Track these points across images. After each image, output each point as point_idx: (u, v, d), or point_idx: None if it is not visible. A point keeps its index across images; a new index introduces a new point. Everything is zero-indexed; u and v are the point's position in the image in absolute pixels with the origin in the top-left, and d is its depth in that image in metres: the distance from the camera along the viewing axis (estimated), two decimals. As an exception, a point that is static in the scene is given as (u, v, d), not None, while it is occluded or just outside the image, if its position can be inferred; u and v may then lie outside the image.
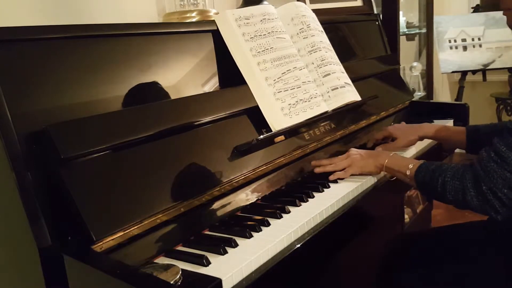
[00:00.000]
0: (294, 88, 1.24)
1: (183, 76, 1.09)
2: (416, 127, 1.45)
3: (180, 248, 0.88)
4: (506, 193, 0.90)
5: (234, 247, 0.85)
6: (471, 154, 1.37)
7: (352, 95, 1.41)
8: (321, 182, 1.15)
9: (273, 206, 1.02)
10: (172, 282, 0.71)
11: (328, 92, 1.35)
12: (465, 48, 3.00)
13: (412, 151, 1.44)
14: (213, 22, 1.20)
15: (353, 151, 1.24)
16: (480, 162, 0.95)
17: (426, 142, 1.50)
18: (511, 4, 1.01)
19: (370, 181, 1.19)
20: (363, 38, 1.83)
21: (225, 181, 1.01)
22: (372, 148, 1.44)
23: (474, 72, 3.02)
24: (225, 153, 1.04)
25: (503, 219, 0.92)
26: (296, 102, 1.23)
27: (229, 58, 1.18)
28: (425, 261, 1.13)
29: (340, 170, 1.19)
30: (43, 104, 0.84)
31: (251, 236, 0.89)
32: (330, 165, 1.21)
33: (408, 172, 1.09)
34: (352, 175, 1.19)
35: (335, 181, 1.17)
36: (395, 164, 1.14)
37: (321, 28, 1.46)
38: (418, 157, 1.44)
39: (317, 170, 1.22)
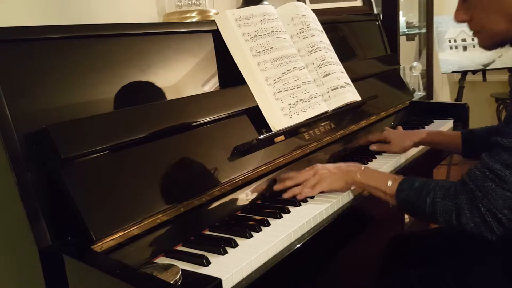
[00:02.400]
0: (294, 88, 1.24)
1: (183, 76, 1.09)
2: (411, 133, 1.45)
3: (180, 248, 0.88)
4: (506, 214, 0.84)
5: (234, 247, 0.85)
6: (466, 158, 1.37)
7: (352, 95, 1.41)
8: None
9: (273, 206, 1.02)
10: (172, 282, 0.71)
11: (328, 92, 1.35)
12: (465, 48, 3.00)
13: (413, 151, 1.44)
14: (213, 22, 1.20)
15: (319, 166, 1.14)
16: (475, 182, 0.87)
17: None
18: (478, 27, 0.96)
19: (370, 181, 1.18)
20: (363, 38, 1.83)
21: (225, 181, 1.01)
22: (367, 147, 1.44)
23: (474, 72, 3.02)
24: (225, 153, 1.04)
25: (497, 238, 0.87)
26: (296, 102, 1.23)
27: (229, 58, 1.18)
28: (425, 261, 1.13)
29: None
30: (43, 104, 0.84)
31: (251, 236, 0.89)
32: (297, 187, 1.09)
33: (387, 190, 1.01)
34: (321, 192, 1.09)
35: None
36: (369, 179, 1.06)
37: (321, 28, 1.46)
38: (418, 156, 1.45)
39: (285, 195, 1.09)
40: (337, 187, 1.10)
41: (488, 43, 0.97)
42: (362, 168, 1.10)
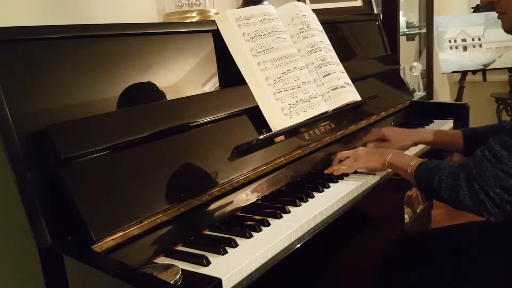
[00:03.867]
0: (294, 88, 1.24)
1: (183, 76, 1.09)
2: (411, 132, 1.45)
3: (180, 248, 0.88)
4: (498, 193, 0.89)
5: (234, 247, 0.85)
6: (468, 157, 1.37)
7: (352, 95, 1.41)
8: (321, 181, 1.15)
9: (273, 206, 1.02)
10: (172, 282, 0.71)
11: (328, 92, 1.35)
12: (465, 48, 3.00)
13: (412, 151, 1.43)
14: (213, 22, 1.20)
15: (361, 147, 1.28)
16: (474, 160, 0.95)
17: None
18: (505, 8, 1.00)
19: (370, 180, 1.18)
20: (363, 38, 1.83)
21: (225, 181, 1.01)
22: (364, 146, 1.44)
23: (474, 72, 3.02)
24: (225, 153, 1.04)
25: (497, 220, 0.93)
26: (296, 102, 1.23)
27: (229, 58, 1.18)
28: (425, 261, 1.13)
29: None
30: (43, 104, 0.84)
31: (251, 236, 0.89)
32: (335, 165, 1.23)
33: (409, 170, 1.10)
34: (356, 171, 1.21)
35: (335, 181, 1.17)
36: (398, 161, 1.16)
37: (321, 28, 1.46)
38: (418, 157, 1.44)
39: (326, 171, 1.23)
40: (372, 166, 1.21)
41: (509, 26, 1.02)
42: (396, 151, 1.21)
